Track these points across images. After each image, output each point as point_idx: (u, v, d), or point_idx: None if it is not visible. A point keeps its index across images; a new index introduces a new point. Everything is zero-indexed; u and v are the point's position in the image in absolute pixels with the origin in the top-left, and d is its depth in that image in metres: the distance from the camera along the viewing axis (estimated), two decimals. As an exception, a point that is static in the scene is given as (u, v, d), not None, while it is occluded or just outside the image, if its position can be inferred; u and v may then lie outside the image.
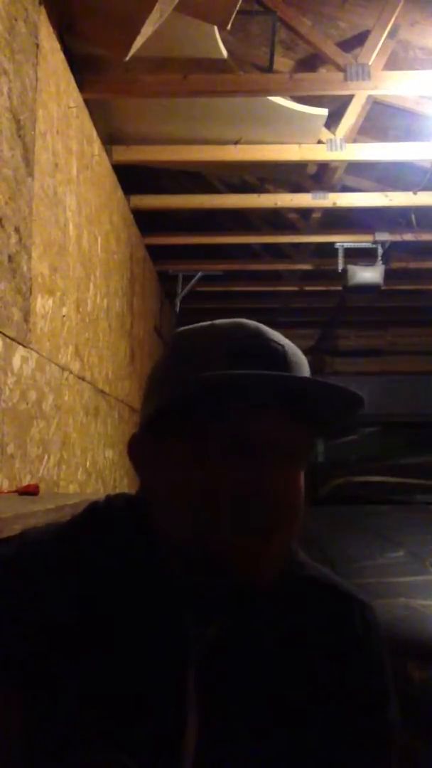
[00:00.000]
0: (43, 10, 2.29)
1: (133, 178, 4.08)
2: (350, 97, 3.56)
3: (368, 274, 5.17)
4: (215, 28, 2.83)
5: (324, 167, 4.22)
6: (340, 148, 3.76)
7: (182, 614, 0.67)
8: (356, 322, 7.83)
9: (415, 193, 4.31)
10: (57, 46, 2.50)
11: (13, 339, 2.03)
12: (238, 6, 2.53)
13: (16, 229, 2.05)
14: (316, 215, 4.96)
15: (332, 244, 5.18)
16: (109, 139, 3.61)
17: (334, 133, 3.76)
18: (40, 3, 2.27)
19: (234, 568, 0.63)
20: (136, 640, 0.65)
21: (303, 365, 0.68)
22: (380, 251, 5.14)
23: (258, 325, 0.69)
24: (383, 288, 5.32)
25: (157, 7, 2.30)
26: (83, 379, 2.98)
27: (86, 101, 2.97)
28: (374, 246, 5.13)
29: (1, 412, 1.94)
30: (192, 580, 0.67)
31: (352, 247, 5.17)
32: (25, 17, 2.13)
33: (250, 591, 0.66)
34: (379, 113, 3.91)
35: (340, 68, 3.17)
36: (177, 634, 0.66)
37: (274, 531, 0.64)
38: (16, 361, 2.07)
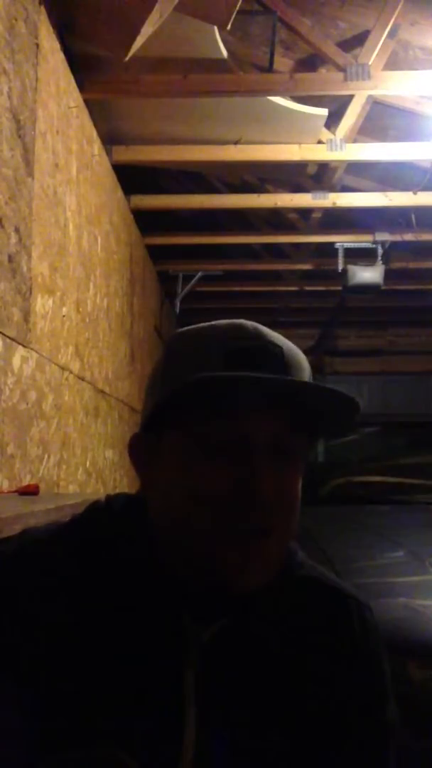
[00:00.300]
0: (43, 10, 2.29)
1: (133, 178, 4.08)
2: (350, 97, 3.56)
3: (368, 274, 5.17)
4: (215, 28, 2.83)
5: (324, 167, 4.22)
6: (340, 148, 3.76)
7: (181, 614, 0.67)
8: (356, 322, 7.84)
9: (415, 193, 4.31)
10: (57, 46, 2.50)
11: (13, 339, 2.03)
12: (238, 6, 2.53)
13: (16, 229, 2.05)
14: (316, 215, 4.96)
15: (332, 244, 5.18)
16: (109, 139, 3.61)
17: (334, 133, 3.76)
18: (40, 3, 2.27)
19: (225, 570, 0.63)
20: (135, 639, 0.65)
21: (302, 367, 0.68)
22: (380, 251, 5.14)
23: (257, 326, 0.69)
24: (383, 288, 5.33)
25: (157, 7, 2.30)
26: (83, 379, 2.99)
27: (86, 101, 2.97)
28: (374, 246, 5.13)
29: (1, 412, 1.94)
30: (190, 580, 0.67)
31: (352, 247, 5.17)
32: (25, 17, 2.13)
33: (243, 593, 0.66)
34: (379, 113, 3.91)
35: (340, 68, 3.18)
36: (176, 633, 0.66)
37: (267, 533, 0.64)
38: (16, 361, 2.07)
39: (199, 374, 0.62)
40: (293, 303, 6.94)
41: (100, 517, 0.73)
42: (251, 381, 0.62)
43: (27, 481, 2.17)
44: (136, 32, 2.41)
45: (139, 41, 2.48)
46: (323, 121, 3.64)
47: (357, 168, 4.36)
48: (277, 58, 3.55)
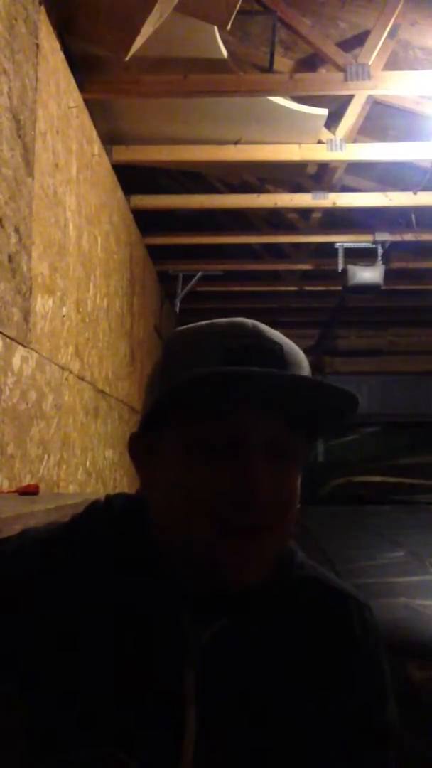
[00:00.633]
0: (43, 10, 2.29)
1: (133, 178, 4.08)
2: (350, 97, 3.56)
3: (368, 274, 5.17)
4: (215, 28, 2.83)
5: (324, 167, 4.21)
6: (340, 148, 3.76)
7: (181, 614, 0.67)
8: (356, 322, 7.84)
9: (415, 193, 4.31)
10: (57, 46, 2.50)
11: (13, 339, 2.03)
12: (238, 6, 2.53)
13: (16, 229, 2.05)
14: (316, 215, 4.96)
15: (332, 244, 5.18)
16: (109, 139, 3.61)
17: (334, 133, 3.76)
18: (40, 3, 2.27)
19: (220, 568, 0.63)
20: (135, 639, 0.65)
21: (301, 365, 0.68)
22: (380, 251, 5.14)
23: (256, 324, 0.69)
24: (383, 288, 5.33)
25: (157, 7, 2.30)
26: (83, 379, 2.99)
27: (86, 101, 2.97)
28: (374, 246, 5.13)
29: (1, 412, 1.94)
30: (190, 580, 0.67)
31: (352, 247, 5.17)
32: (25, 17, 2.13)
33: (240, 591, 0.66)
34: (379, 113, 3.91)
35: (340, 68, 3.18)
36: (176, 633, 0.66)
37: (263, 531, 0.64)
38: (16, 361, 2.07)
39: (196, 371, 0.62)
40: (293, 303, 6.94)
41: (100, 517, 0.73)
42: (249, 376, 0.62)
43: (27, 481, 2.17)
44: (136, 32, 2.42)
45: (139, 41, 2.48)
46: (323, 121, 3.64)
47: (357, 168, 4.36)
48: (277, 58, 3.55)
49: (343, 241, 5.14)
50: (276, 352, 0.66)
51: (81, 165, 2.92)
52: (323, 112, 3.56)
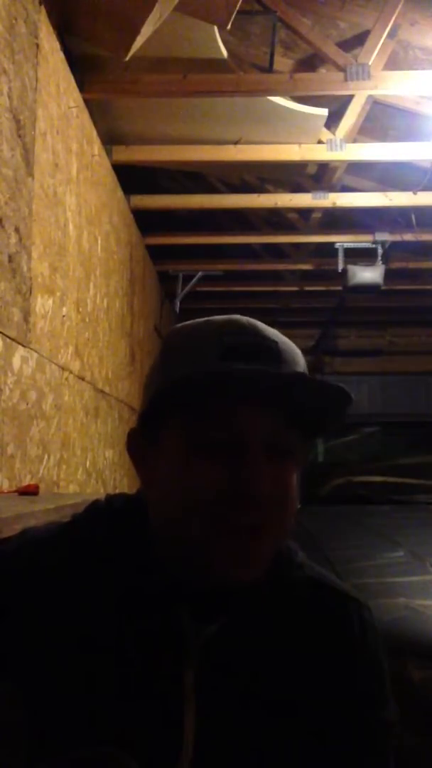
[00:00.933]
0: (43, 10, 2.29)
1: (133, 178, 4.08)
2: (350, 97, 3.56)
3: (368, 274, 5.17)
4: (215, 28, 2.83)
5: (324, 167, 4.22)
6: (340, 148, 3.76)
7: (181, 613, 0.67)
8: (356, 322, 7.84)
9: (415, 193, 4.31)
10: (57, 46, 2.50)
11: (13, 339, 2.03)
12: (238, 6, 2.53)
13: (16, 229, 2.05)
14: (316, 215, 4.96)
15: (332, 244, 5.18)
16: (109, 139, 3.61)
17: (334, 133, 3.77)
18: (40, 3, 2.27)
19: (217, 565, 0.63)
20: (135, 639, 0.65)
21: (297, 362, 0.68)
22: (380, 251, 5.14)
23: (253, 321, 0.69)
24: (383, 288, 5.33)
25: (157, 7, 2.30)
26: (83, 379, 2.99)
27: (86, 101, 2.97)
28: (374, 246, 5.13)
29: (1, 412, 1.94)
30: (189, 579, 0.67)
31: (352, 247, 5.17)
32: (25, 17, 2.13)
33: (238, 589, 0.66)
34: (379, 113, 3.91)
35: (340, 68, 3.18)
36: (176, 633, 0.66)
37: (262, 529, 0.64)
38: (16, 361, 2.07)
39: (192, 369, 0.62)
40: (293, 303, 6.94)
41: (100, 516, 0.73)
42: (244, 374, 0.62)
43: (27, 481, 2.17)
44: (136, 32, 2.42)
45: (139, 41, 2.48)
46: (323, 121, 3.64)
47: (357, 168, 4.37)
48: (277, 58, 3.55)
49: (343, 241, 5.15)
50: (272, 349, 0.66)
51: (81, 165, 2.92)
52: (323, 112, 3.56)
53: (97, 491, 3.25)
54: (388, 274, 5.29)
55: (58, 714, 0.63)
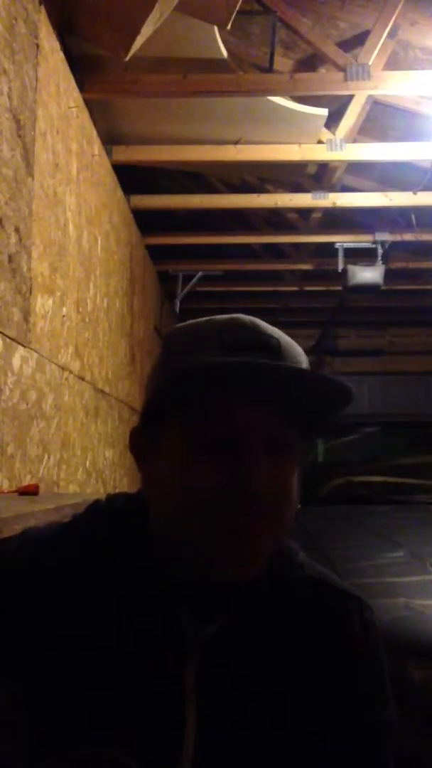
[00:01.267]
0: (43, 10, 2.29)
1: (133, 178, 4.08)
2: (350, 97, 3.57)
3: (368, 274, 5.17)
4: (215, 28, 2.83)
5: (324, 167, 4.22)
6: (340, 148, 3.76)
7: (181, 613, 0.67)
8: (356, 322, 7.84)
9: (415, 193, 4.31)
10: (57, 46, 2.50)
11: (13, 339, 2.03)
12: (238, 6, 2.53)
13: (16, 229, 2.05)
14: (316, 215, 4.97)
15: (332, 244, 5.18)
16: (109, 139, 3.61)
17: (334, 133, 3.77)
18: (40, 3, 2.27)
19: (217, 565, 0.63)
20: (135, 638, 0.65)
21: (299, 359, 0.68)
22: (380, 251, 5.14)
23: (254, 319, 0.69)
24: (383, 288, 5.33)
25: (157, 7, 2.30)
26: (83, 379, 2.99)
27: (86, 101, 2.97)
28: (374, 246, 5.13)
29: (1, 412, 1.94)
30: (189, 579, 0.67)
31: (352, 247, 5.17)
32: (25, 17, 2.13)
33: (238, 587, 0.66)
34: (379, 113, 3.91)
35: (340, 68, 3.18)
36: (176, 633, 0.66)
37: (259, 528, 0.64)
38: (16, 361, 2.07)
39: (192, 363, 0.62)
40: (293, 303, 6.94)
41: (100, 516, 0.73)
42: (245, 367, 0.62)
43: (27, 481, 2.17)
44: (136, 32, 2.42)
45: (139, 41, 2.48)
46: (323, 121, 3.64)
47: (357, 168, 4.37)
48: (277, 58, 3.55)
49: (343, 241, 5.15)
50: (273, 346, 0.66)
51: (81, 165, 2.92)
52: (323, 112, 3.56)
53: (97, 491, 3.25)
54: (388, 274, 5.29)
55: (58, 714, 0.63)
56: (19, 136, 2.08)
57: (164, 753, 0.64)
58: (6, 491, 1.94)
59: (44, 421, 2.37)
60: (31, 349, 2.21)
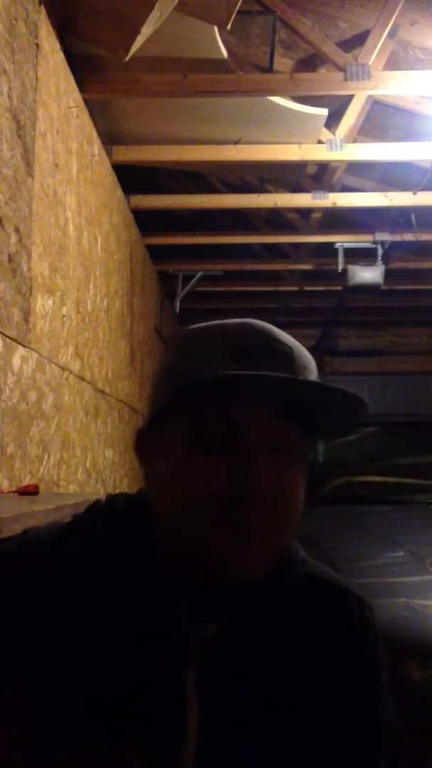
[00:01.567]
0: (43, 10, 2.29)
1: (133, 178, 4.08)
2: (350, 97, 3.57)
3: (368, 274, 5.17)
4: (215, 28, 2.83)
5: (324, 167, 4.22)
6: (340, 148, 3.76)
7: (181, 612, 0.67)
8: (356, 322, 7.84)
9: (415, 193, 4.31)
10: (57, 46, 2.50)
11: (13, 339, 2.03)
12: (238, 6, 2.53)
13: (16, 229, 2.05)
14: (316, 215, 4.97)
15: (332, 244, 5.18)
16: (109, 139, 3.61)
17: (334, 133, 3.77)
18: (40, 3, 2.27)
19: (219, 565, 0.63)
20: (136, 638, 0.66)
21: (310, 367, 0.68)
22: (380, 251, 5.14)
23: (266, 325, 0.69)
24: (383, 288, 5.33)
25: (157, 7, 2.30)
26: (83, 379, 2.99)
27: (86, 101, 2.97)
28: (374, 246, 5.13)
29: (1, 412, 1.94)
30: (191, 579, 0.67)
31: (352, 247, 5.17)
32: (25, 17, 2.13)
33: (241, 587, 0.66)
34: (379, 113, 3.92)
35: (340, 68, 3.18)
36: (177, 632, 0.67)
37: (262, 528, 0.64)
38: (16, 361, 2.07)
39: (202, 374, 0.62)
40: (293, 303, 6.94)
41: (101, 517, 0.73)
42: (260, 380, 0.62)
43: (27, 481, 2.17)
44: (136, 32, 2.42)
45: (139, 41, 2.48)
46: (323, 121, 3.64)
47: (357, 168, 4.37)
48: (277, 58, 3.55)
49: (343, 241, 5.15)
50: (285, 354, 0.66)
51: (81, 165, 2.92)
52: (323, 112, 3.56)
53: (97, 491, 3.25)
54: (388, 274, 5.29)
55: (59, 713, 0.63)
56: (19, 136, 2.08)
57: (166, 752, 0.64)
58: (6, 491, 1.94)
59: (44, 421, 2.37)
60: (31, 349, 2.21)
